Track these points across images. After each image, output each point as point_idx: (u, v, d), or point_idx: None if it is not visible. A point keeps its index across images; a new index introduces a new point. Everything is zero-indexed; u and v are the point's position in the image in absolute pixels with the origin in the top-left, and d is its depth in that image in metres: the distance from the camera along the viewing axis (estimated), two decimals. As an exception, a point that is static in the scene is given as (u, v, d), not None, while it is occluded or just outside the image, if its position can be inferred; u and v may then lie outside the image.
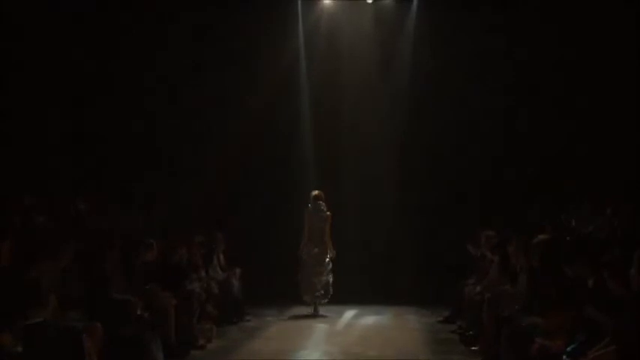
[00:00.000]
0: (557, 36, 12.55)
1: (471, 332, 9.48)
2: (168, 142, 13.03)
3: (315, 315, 11.50)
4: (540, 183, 12.33)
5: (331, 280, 11.56)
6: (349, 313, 11.74)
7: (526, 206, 11.74)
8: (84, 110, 12.65)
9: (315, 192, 11.65)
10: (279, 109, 13.25)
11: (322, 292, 11.55)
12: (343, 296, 11.87)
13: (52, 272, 7.10)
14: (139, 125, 12.76)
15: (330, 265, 11.56)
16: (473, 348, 9.07)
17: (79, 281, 7.42)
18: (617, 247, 6.77)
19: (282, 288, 12.05)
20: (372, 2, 13.34)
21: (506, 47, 12.60)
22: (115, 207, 10.70)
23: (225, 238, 11.48)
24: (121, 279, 8.26)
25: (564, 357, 6.07)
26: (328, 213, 11.55)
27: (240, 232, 12.32)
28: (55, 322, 6.64)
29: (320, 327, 10.80)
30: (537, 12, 12.57)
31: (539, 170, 12.54)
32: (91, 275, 7.64)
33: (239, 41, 12.97)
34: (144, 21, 12.60)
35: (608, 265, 6.11)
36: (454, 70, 12.65)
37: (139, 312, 7.91)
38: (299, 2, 13.29)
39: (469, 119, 12.87)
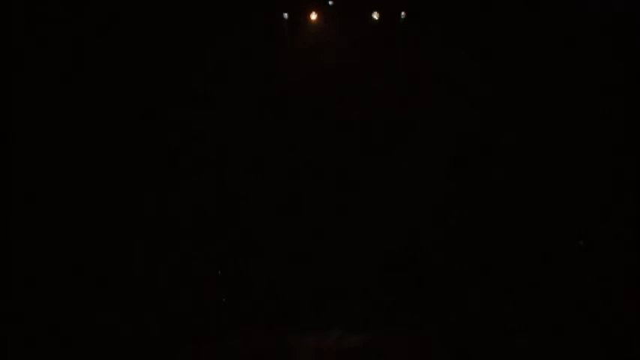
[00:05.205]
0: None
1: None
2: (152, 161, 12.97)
3: None
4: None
5: None
6: (335, 332, 11.73)
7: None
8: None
9: None
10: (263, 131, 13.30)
11: None
12: (329, 315, 11.89)
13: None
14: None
15: None
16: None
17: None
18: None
19: (269, 307, 12.11)
20: (359, 22, 13.42)
21: (487, 63, 12.70)
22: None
23: (211, 257, 11.46)
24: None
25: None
26: None
27: (227, 251, 12.34)
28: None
29: (306, 346, 10.79)
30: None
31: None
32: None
33: (223, 61, 13.02)
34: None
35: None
36: (439, 90, 12.76)
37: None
38: (285, 23, 13.36)
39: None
